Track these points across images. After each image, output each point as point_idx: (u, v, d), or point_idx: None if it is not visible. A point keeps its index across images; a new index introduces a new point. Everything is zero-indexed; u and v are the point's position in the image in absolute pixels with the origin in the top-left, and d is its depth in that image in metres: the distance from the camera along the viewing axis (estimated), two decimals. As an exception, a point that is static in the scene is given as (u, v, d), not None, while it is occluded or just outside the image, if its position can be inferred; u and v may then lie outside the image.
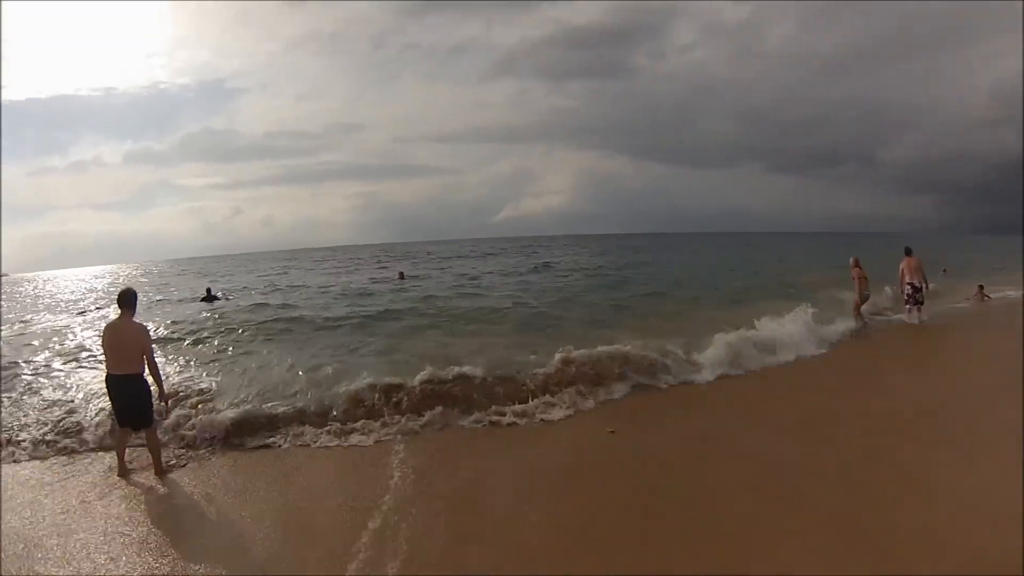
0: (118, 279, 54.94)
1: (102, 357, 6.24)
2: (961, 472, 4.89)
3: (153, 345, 5.94)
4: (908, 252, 13.52)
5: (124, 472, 5.81)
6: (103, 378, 6.00)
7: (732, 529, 4.13)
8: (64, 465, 6.17)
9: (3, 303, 28.67)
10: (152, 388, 5.98)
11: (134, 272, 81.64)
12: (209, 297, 21.70)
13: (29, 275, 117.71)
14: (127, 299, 5.91)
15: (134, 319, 5.95)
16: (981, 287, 16.52)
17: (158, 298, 23.75)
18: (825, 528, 4.08)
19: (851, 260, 13.25)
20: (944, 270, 23.42)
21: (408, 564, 3.89)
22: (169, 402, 6.67)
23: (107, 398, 6.04)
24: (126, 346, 5.73)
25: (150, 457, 5.93)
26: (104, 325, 6.09)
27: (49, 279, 73.26)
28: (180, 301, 22.16)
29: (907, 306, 13.16)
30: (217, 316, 15.47)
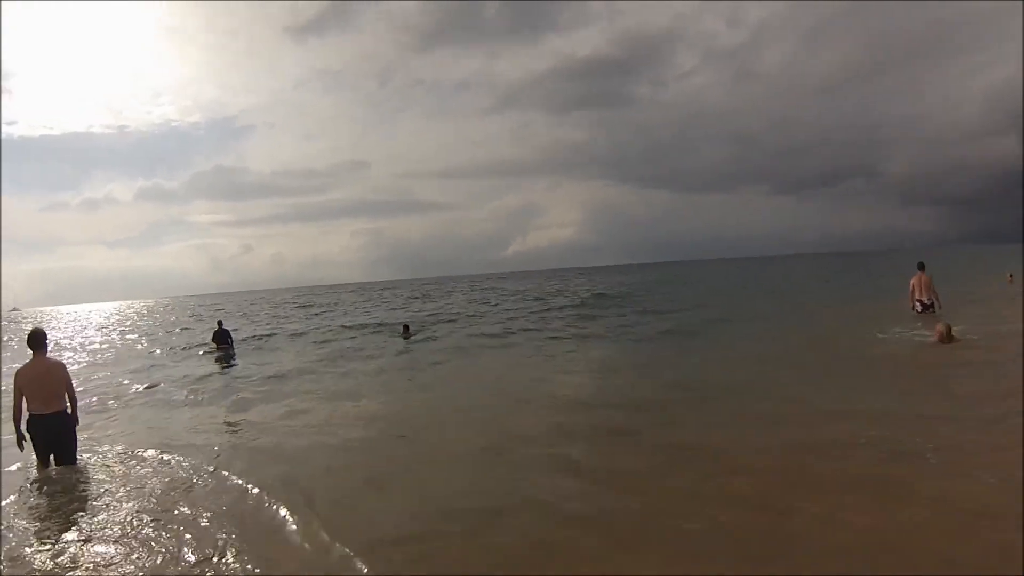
0: (125, 316, 56.26)
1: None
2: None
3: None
4: (921, 267, 13.50)
5: None
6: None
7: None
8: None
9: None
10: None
11: (147, 306, 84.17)
12: (221, 335, 18.55)
13: (44, 309, 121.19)
14: (39, 340, 5.96)
15: (48, 356, 6.03)
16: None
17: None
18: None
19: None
20: (1010, 276, 21.81)
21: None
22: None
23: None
24: (52, 384, 5.82)
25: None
26: (17, 368, 5.96)
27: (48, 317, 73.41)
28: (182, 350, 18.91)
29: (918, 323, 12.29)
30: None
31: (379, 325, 23.13)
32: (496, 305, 31.22)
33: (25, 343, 6.17)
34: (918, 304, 13.44)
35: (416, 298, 43.62)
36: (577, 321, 20.05)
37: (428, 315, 26.54)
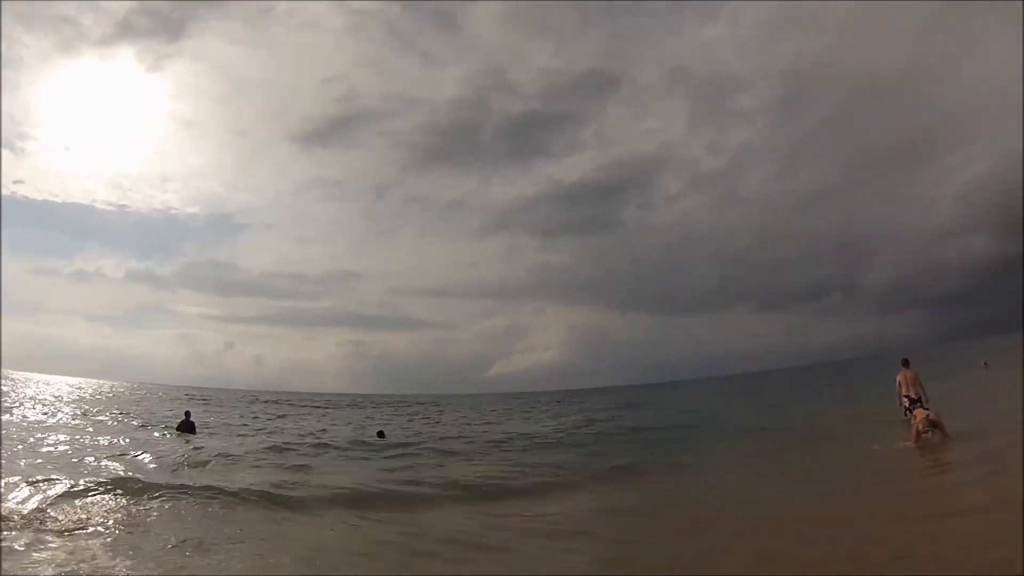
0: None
1: None
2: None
3: None
4: (905, 364, 13.43)
5: None
6: None
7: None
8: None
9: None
10: None
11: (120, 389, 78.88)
12: (187, 426, 18.83)
13: (16, 374, 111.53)
14: None
15: None
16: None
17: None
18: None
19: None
20: (985, 363, 25.18)
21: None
22: None
23: None
24: None
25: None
26: None
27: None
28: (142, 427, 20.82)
29: (906, 418, 12.61)
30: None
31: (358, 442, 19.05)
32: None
33: None
34: (906, 400, 13.22)
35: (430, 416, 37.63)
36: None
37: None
